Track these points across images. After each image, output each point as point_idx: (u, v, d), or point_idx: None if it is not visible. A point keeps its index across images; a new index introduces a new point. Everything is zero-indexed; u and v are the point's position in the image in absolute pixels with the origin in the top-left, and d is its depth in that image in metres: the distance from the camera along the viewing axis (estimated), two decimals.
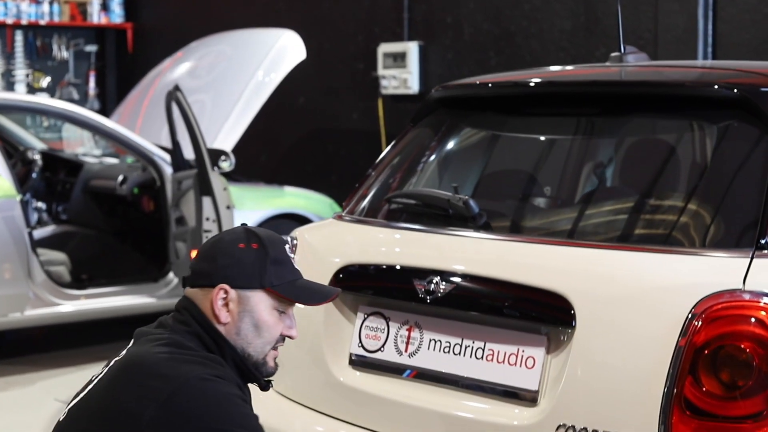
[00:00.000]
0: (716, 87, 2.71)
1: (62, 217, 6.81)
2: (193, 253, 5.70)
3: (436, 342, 2.71)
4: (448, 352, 2.68)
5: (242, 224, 2.37)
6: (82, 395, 2.25)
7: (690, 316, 2.31)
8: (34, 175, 6.64)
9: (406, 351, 2.76)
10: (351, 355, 2.87)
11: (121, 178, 6.38)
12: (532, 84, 3.02)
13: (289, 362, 2.74)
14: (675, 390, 2.30)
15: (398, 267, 2.81)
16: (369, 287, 2.91)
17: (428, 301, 2.66)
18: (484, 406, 2.59)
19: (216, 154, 5.88)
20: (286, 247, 2.34)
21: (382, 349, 2.81)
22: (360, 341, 2.86)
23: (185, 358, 2.18)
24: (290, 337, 2.33)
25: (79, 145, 8.04)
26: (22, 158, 6.74)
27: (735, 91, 2.64)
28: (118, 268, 6.41)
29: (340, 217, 3.18)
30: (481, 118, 3.18)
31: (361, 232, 3.06)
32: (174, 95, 5.53)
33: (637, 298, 2.41)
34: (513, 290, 2.58)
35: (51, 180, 6.92)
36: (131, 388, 2.12)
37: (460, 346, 2.66)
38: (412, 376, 2.75)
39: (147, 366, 2.15)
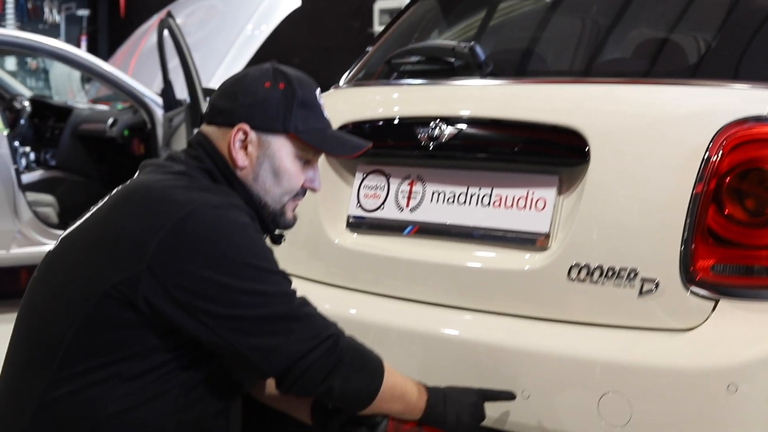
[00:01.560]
0: None
1: (51, 163, 6.65)
2: None
3: (439, 194, 2.55)
4: (453, 202, 2.51)
5: (270, 62, 2.14)
6: (77, 224, 2.04)
7: (712, 142, 2.15)
8: (22, 121, 6.49)
9: (407, 206, 2.60)
10: (349, 217, 2.70)
11: (111, 120, 6.22)
12: None
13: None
14: (697, 219, 2.14)
15: (398, 119, 2.64)
16: None
17: (431, 147, 2.49)
18: (492, 255, 2.43)
19: (209, 92, 5.73)
20: (317, 91, 2.12)
21: (381, 207, 2.64)
22: (359, 201, 2.69)
23: (196, 186, 1.99)
24: (312, 190, 2.15)
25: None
26: (9, 106, 6.59)
27: None
28: None
29: (337, 87, 3.02)
30: None
31: (359, 94, 2.90)
32: (166, 23, 5.37)
33: (656, 129, 2.25)
34: (522, 130, 2.41)
35: (39, 126, 6.77)
36: (136, 214, 1.93)
37: (465, 195, 2.49)
38: (413, 232, 2.57)
39: (154, 192, 1.95)
